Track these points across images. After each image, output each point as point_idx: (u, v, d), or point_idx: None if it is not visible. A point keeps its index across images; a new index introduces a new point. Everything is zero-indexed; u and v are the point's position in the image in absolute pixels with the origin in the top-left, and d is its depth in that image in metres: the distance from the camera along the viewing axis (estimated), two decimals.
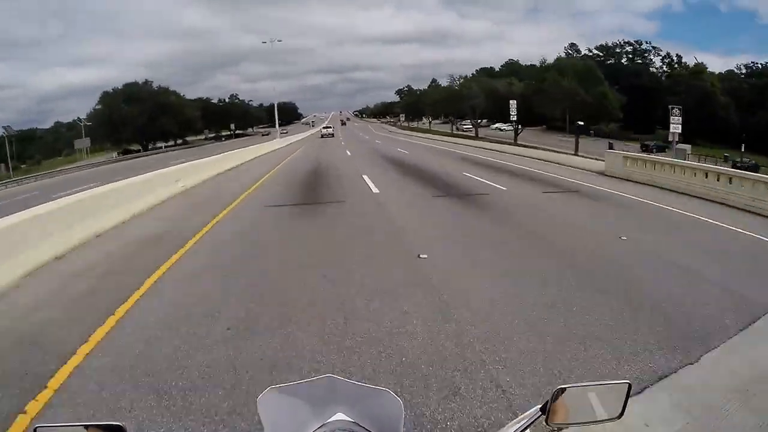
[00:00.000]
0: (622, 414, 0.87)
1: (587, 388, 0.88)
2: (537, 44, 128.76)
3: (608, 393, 0.89)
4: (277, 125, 40.69)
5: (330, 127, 53.49)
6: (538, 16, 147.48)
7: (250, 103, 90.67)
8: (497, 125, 50.83)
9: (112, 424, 0.73)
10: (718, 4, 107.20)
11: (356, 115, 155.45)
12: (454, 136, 39.80)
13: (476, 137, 39.46)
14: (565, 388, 0.83)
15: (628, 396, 0.87)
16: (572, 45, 58.16)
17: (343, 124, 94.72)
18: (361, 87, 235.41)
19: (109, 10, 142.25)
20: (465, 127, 52.82)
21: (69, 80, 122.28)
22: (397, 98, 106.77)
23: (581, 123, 31.32)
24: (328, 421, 0.89)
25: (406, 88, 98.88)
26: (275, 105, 41.42)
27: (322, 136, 44.02)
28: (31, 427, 0.85)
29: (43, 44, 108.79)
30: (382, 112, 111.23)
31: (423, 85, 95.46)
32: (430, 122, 61.29)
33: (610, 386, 0.90)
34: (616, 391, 0.89)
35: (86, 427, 0.74)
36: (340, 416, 0.89)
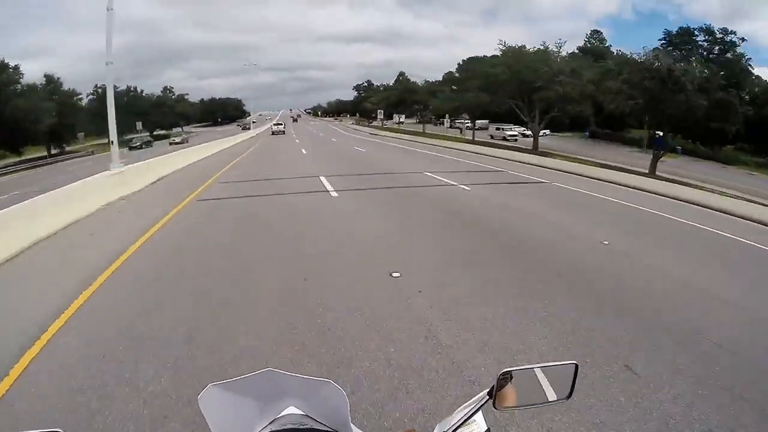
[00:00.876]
0: (570, 395, 0.88)
1: (533, 370, 0.89)
2: (490, 47, 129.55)
3: (555, 374, 0.90)
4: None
5: (281, 124, 53.06)
6: (492, 19, 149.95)
7: (185, 97, 76.30)
8: (508, 129, 37.84)
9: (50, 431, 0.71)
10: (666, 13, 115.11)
11: (309, 112, 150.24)
12: (470, 143, 28.44)
13: (473, 141, 29.91)
14: (511, 371, 0.84)
15: (575, 377, 0.88)
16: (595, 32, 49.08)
17: (295, 120, 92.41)
18: (312, 86, 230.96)
19: (42, 8, 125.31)
20: (462, 125, 40.22)
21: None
22: (351, 96, 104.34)
23: (659, 133, 22.17)
24: (280, 415, 0.89)
25: (365, 83, 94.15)
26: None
27: (273, 133, 45.48)
28: None
29: None
30: (336, 110, 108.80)
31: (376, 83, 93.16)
32: (400, 122, 54.86)
33: (556, 367, 0.91)
34: (564, 372, 0.90)
35: None
36: (291, 410, 0.89)
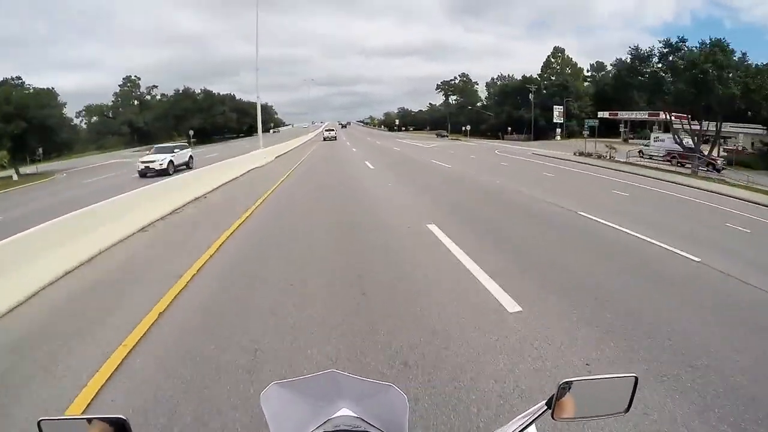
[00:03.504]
0: (628, 408, 0.87)
1: (593, 381, 0.89)
2: (538, 60, 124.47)
3: (615, 387, 0.89)
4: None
5: (332, 130, 53.98)
6: (541, 31, 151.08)
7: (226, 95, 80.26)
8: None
9: (113, 417, 0.74)
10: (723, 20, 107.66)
11: (362, 123, 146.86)
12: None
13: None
14: (571, 382, 0.83)
15: (635, 390, 0.87)
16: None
17: (343, 127, 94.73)
18: (359, 100, 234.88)
19: (99, 13, 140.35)
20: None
21: (57, 84, 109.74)
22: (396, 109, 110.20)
23: None
24: (333, 416, 0.89)
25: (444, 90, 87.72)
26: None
27: (325, 139, 47.03)
28: (37, 420, 0.84)
29: (29, 46, 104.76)
30: (402, 122, 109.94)
31: (421, 99, 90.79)
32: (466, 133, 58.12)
33: (616, 380, 0.89)
34: (623, 384, 0.88)
35: (89, 420, 0.76)
36: (344, 411, 0.90)
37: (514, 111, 53.37)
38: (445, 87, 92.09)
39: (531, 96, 50.12)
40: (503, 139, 50.98)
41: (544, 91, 50.85)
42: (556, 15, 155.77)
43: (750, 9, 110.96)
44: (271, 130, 76.16)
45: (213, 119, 67.85)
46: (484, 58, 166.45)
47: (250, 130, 72.52)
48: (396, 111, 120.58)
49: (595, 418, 0.93)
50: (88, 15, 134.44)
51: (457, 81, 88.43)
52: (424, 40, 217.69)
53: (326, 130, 52.49)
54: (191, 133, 50.22)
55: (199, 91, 74.39)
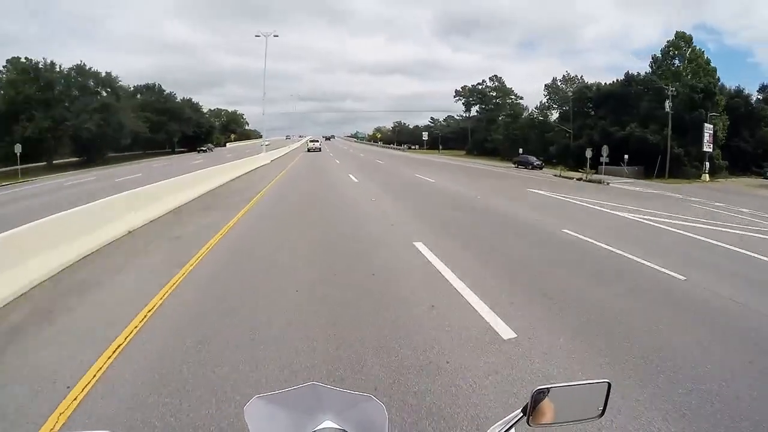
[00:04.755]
0: (603, 413, 1.00)
1: (567, 388, 1.00)
2: (526, 80, 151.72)
3: (589, 392, 1.02)
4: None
5: (317, 141, 58.76)
6: (529, 52, 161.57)
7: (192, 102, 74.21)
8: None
9: None
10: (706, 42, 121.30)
11: (355, 138, 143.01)
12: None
13: None
14: (545, 389, 0.95)
15: (608, 395, 1.00)
16: None
17: (327, 139, 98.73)
18: (345, 117, 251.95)
19: (87, 23, 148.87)
20: None
21: None
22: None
23: None
24: (316, 429, 0.96)
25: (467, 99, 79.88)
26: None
27: (309, 150, 50.82)
28: None
29: (16, 46, 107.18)
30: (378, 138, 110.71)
31: (408, 118, 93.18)
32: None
33: (590, 386, 1.02)
34: (597, 390, 1.01)
35: None
36: (327, 424, 0.96)
37: (612, 127, 39.37)
38: (467, 94, 78.98)
39: (668, 104, 34.22)
40: (595, 171, 31.35)
41: (669, 102, 34.44)
42: (544, 38, 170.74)
43: None
44: (206, 147, 65.45)
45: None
46: (473, 77, 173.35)
47: (194, 143, 66.51)
48: (392, 126, 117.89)
49: (571, 423, 0.99)
50: (78, 18, 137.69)
51: (484, 86, 75.84)
52: (412, 59, 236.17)
53: (310, 141, 58.30)
54: (18, 149, 30.12)
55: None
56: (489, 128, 64.52)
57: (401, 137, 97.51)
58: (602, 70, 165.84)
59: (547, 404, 0.94)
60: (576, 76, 53.64)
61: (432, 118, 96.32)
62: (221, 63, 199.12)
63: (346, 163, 34.00)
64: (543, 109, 55.67)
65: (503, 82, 72.87)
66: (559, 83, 54.38)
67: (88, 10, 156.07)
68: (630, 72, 42.66)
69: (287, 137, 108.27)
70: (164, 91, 66.30)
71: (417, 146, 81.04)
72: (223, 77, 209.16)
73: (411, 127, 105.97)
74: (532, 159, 39.67)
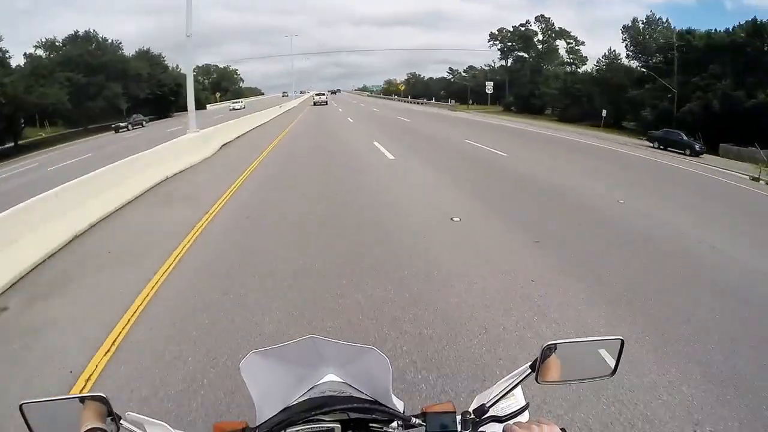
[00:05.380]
0: (614, 371, 0.97)
1: (578, 344, 0.97)
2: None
3: (599, 348, 0.98)
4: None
5: (323, 94, 57.43)
6: (539, 2, 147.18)
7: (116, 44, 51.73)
8: None
9: (93, 395, 0.86)
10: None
11: (360, 91, 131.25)
12: None
13: None
14: (555, 345, 0.92)
15: (620, 353, 0.97)
16: None
17: (333, 93, 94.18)
18: (350, 71, 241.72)
19: None
20: None
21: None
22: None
23: None
24: (319, 382, 0.99)
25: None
26: None
27: (315, 104, 50.16)
28: (18, 404, 0.86)
29: (8, 19, 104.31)
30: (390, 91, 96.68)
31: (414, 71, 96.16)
32: None
33: (602, 342, 0.99)
34: (609, 347, 0.98)
35: (70, 399, 0.89)
36: (330, 377, 1.00)
37: (735, 91, 28.73)
38: (506, 37, 65.32)
39: None
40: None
41: None
42: None
43: None
44: (132, 119, 40.35)
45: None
46: (482, 30, 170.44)
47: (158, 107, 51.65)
48: (405, 77, 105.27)
49: (581, 381, 1.00)
50: None
51: (527, 29, 62.42)
52: (418, 9, 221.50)
53: (316, 95, 57.72)
54: None
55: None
56: (535, 80, 53.23)
57: (416, 90, 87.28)
58: (617, 24, 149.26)
59: (555, 361, 0.92)
60: (660, 18, 42.09)
61: (450, 69, 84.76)
62: (217, 21, 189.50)
63: (363, 124, 25.73)
64: (612, 59, 43.59)
65: (552, 24, 61.04)
66: (640, 24, 42.08)
67: None
68: (760, 20, 31.45)
69: (284, 94, 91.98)
70: (105, 40, 47.98)
71: (453, 101, 62.17)
72: (222, 37, 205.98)
73: (425, 78, 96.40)
74: (684, 137, 24.49)
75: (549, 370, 0.91)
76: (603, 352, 0.95)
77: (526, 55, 62.17)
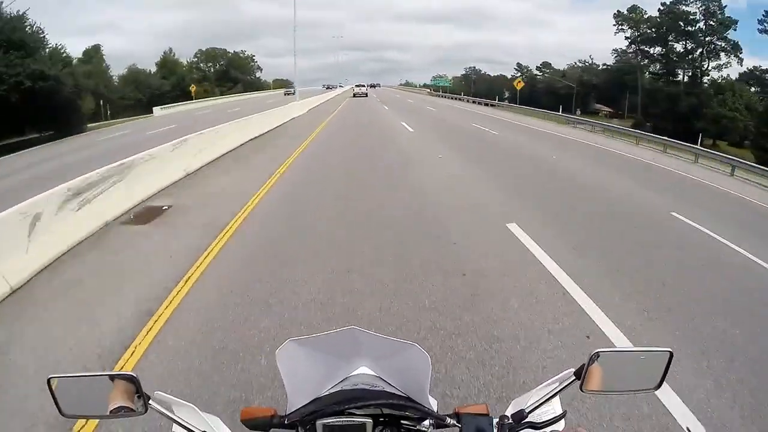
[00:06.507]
0: (660, 385, 0.98)
1: (624, 354, 1.03)
2: (579, 33, 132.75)
3: (647, 361, 0.99)
4: None
5: (363, 86, 59.04)
6: (583, 2, 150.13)
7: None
8: None
9: (123, 374, 0.89)
10: None
11: (403, 86, 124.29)
12: None
13: None
14: (601, 353, 0.94)
15: (668, 366, 0.97)
16: None
17: (372, 87, 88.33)
18: (389, 67, 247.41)
19: None
20: None
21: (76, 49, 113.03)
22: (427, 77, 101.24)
23: None
24: (351, 374, 1.03)
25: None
26: None
27: (355, 95, 52.92)
28: (48, 377, 0.87)
29: (43, 11, 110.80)
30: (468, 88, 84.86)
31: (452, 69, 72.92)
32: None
33: (650, 354, 1.01)
34: (656, 359, 0.98)
35: (99, 376, 0.93)
36: (363, 370, 1.03)
37: None
38: (637, 19, 51.68)
39: None
40: None
41: None
42: None
43: None
44: None
45: None
46: (518, 28, 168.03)
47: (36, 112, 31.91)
48: (464, 71, 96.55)
49: (624, 392, 1.02)
50: None
51: (680, 9, 47.78)
52: (457, 7, 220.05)
53: (356, 86, 59.98)
54: None
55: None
56: (695, 91, 40.48)
57: (478, 88, 77.29)
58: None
59: (598, 369, 0.93)
60: None
61: (519, 65, 78.18)
62: (255, 13, 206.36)
63: (435, 144, 16.00)
64: None
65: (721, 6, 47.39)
66: None
67: None
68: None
69: (286, 92, 65.84)
70: None
71: (579, 110, 48.27)
72: (260, 30, 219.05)
73: (490, 75, 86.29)
74: None
75: (592, 379, 0.92)
76: (648, 363, 0.97)
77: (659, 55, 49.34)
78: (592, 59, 59.64)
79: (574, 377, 0.91)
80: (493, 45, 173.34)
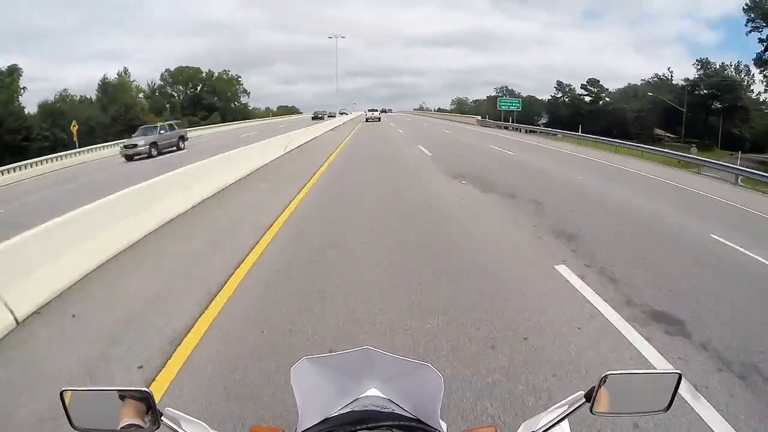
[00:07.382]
0: (669, 407, 0.99)
1: (634, 376, 1.01)
2: (587, 51, 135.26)
3: (656, 383, 1.02)
4: None
5: (376, 110, 58.96)
6: (592, 20, 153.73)
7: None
8: None
9: (136, 390, 0.92)
10: None
11: (418, 111, 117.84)
12: None
13: None
14: (610, 375, 0.96)
15: (677, 388, 0.99)
16: None
17: (383, 112, 79.00)
18: (401, 92, 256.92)
19: (130, 3, 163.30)
20: None
21: (89, 76, 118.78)
22: (443, 102, 75.73)
23: None
24: (362, 395, 1.04)
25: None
26: None
27: (367, 120, 52.67)
28: (59, 390, 0.90)
29: (59, 37, 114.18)
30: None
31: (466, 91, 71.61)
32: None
33: (658, 375, 1.06)
34: (665, 381, 1.01)
35: (111, 391, 0.95)
36: (372, 392, 1.04)
37: None
38: None
39: None
40: None
41: None
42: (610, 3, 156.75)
43: None
44: None
45: None
46: (527, 49, 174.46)
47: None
48: (493, 93, 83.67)
49: (633, 414, 1.03)
50: (121, 7, 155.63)
51: None
52: (467, 29, 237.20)
53: (368, 110, 59.58)
54: None
55: None
56: None
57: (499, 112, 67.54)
58: (671, 42, 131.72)
59: (605, 391, 0.95)
60: None
61: (559, 83, 66.36)
62: (268, 42, 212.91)
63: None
64: None
65: None
66: None
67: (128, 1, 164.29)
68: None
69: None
70: None
71: (695, 146, 36.78)
72: (272, 57, 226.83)
73: (522, 95, 72.65)
74: None
75: (602, 401, 0.95)
76: (657, 385, 0.99)
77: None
78: (671, 73, 51.18)
79: (584, 400, 0.93)
80: (503, 66, 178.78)
